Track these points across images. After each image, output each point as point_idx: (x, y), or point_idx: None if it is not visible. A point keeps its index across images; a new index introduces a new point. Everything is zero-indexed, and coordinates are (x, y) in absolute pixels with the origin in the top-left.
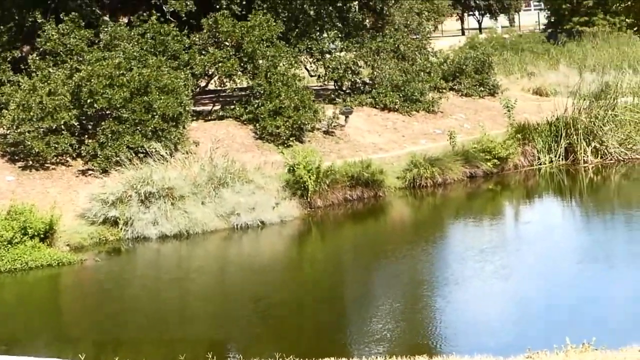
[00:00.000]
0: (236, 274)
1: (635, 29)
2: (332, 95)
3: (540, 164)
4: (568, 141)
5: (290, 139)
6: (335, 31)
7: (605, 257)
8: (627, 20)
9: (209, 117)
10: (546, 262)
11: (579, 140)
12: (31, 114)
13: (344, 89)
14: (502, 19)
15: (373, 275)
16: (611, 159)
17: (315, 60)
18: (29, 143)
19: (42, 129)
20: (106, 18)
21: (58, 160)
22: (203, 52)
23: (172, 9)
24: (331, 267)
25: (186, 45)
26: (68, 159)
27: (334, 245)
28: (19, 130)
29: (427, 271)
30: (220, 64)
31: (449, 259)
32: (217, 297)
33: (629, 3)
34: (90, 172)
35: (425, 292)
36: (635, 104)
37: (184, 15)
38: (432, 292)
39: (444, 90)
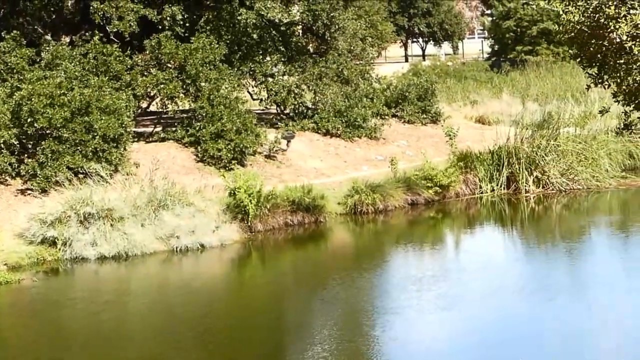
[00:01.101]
0: (175, 297)
1: (578, 59)
2: (275, 119)
3: (481, 193)
4: (510, 170)
5: (232, 162)
6: (278, 55)
7: (545, 289)
8: (570, 50)
9: (150, 139)
10: (485, 293)
11: (520, 169)
12: None
13: (286, 112)
14: (446, 47)
15: (312, 302)
16: (553, 189)
17: (257, 83)
18: None
19: None
20: (48, 37)
21: None
22: (145, 74)
23: (116, 29)
24: (270, 293)
25: (128, 66)
26: (7, 178)
27: (274, 271)
28: None
29: (366, 299)
30: (162, 86)
31: (389, 287)
32: (154, 320)
33: (572, 34)
34: (29, 191)
35: (364, 320)
36: (577, 135)
37: (127, 35)
38: (370, 321)
39: (386, 117)
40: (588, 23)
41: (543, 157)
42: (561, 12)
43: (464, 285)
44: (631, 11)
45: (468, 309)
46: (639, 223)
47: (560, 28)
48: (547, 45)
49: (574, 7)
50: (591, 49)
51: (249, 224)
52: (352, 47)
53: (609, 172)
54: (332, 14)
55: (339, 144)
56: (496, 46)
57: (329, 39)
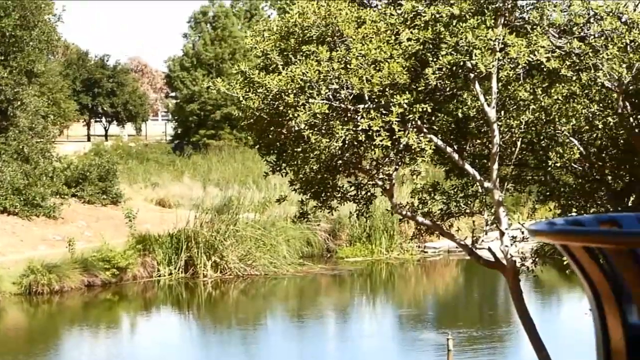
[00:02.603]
0: None
1: (257, 146)
2: None
3: (159, 276)
4: (189, 254)
5: None
6: None
7: None
8: (249, 137)
9: None
10: None
11: (199, 253)
12: None
13: None
14: (129, 127)
15: None
16: (231, 274)
17: None
18: None
19: None
20: None
21: None
22: None
23: None
24: None
25: None
26: None
27: None
28: None
29: None
30: None
31: None
32: None
33: (252, 120)
34: None
35: None
36: (257, 220)
37: None
38: None
39: (66, 196)
40: (267, 110)
41: (222, 241)
42: (241, 98)
43: None
44: (310, 100)
45: None
46: (313, 311)
47: (241, 114)
48: (230, 130)
49: (254, 94)
50: (270, 136)
51: None
52: (33, 125)
53: (287, 258)
54: (16, 89)
55: (16, 222)
56: (179, 129)
57: (10, 114)
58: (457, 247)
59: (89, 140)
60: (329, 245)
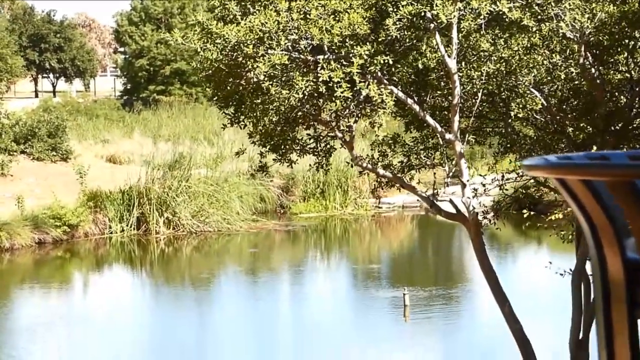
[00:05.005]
0: None
1: (215, 98)
2: None
3: (111, 233)
4: (141, 211)
5: None
6: None
7: (173, 344)
8: (208, 89)
9: None
10: (111, 345)
11: (151, 210)
12: None
13: None
14: (78, 83)
15: None
16: (183, 231)
17: None
18: None
19: None
20: None
21: None
22: None
23: None
24: None
25: None
26: None
27: None
28: None
29: None
30: None
31: (16, 332)
32: None
33: (210, 72)
34: None
35: None
36: (209, 176)
37: None
38: None
39: (15, 153)
40: (226, 61)
41: (174, 198)
42: (199, 50)
43: (90, 334)
44: (269, 51)
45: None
46: (267, 267)
47: (198, 66)
48: (180, 86)
49: (212, 45)
50: (228, 87)
51: None
52: None
53: (240, 214)
54: None
55: None
56: (129, 85)
57: None
58: (411, 203)
59: (36, 96)
60: (283, 201)
